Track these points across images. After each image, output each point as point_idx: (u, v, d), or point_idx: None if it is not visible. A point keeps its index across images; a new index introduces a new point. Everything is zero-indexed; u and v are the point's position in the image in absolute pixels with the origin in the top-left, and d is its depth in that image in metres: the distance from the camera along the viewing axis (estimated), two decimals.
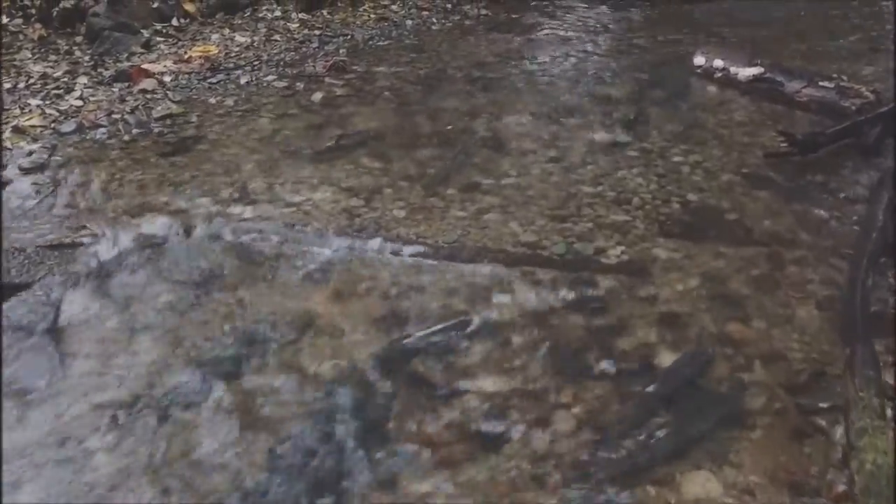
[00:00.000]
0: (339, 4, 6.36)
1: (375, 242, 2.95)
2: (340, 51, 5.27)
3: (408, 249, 2.90)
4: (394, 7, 6.34)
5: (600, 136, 3.95)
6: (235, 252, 2.91)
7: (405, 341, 2.45)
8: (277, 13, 6.04)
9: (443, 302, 2.62)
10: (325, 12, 6.13)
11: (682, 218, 3.14)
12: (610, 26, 6.00)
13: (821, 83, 4.25)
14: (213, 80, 4.66)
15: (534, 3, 6.64)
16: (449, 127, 4.07)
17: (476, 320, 2.53)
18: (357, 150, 3.77)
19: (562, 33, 5.81)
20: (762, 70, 4.51)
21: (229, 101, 4.34)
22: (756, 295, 2.64)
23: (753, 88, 4.52)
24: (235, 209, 3.22)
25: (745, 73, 4.56)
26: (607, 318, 2.55)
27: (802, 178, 3.45)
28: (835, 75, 4.35)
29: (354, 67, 4.94)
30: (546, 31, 5.83)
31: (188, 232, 3.03)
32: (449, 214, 3.16)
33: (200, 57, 5.03)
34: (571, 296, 2.65)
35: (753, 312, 2.56)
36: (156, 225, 3.08)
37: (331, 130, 3.95)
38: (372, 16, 6.09)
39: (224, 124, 4.03)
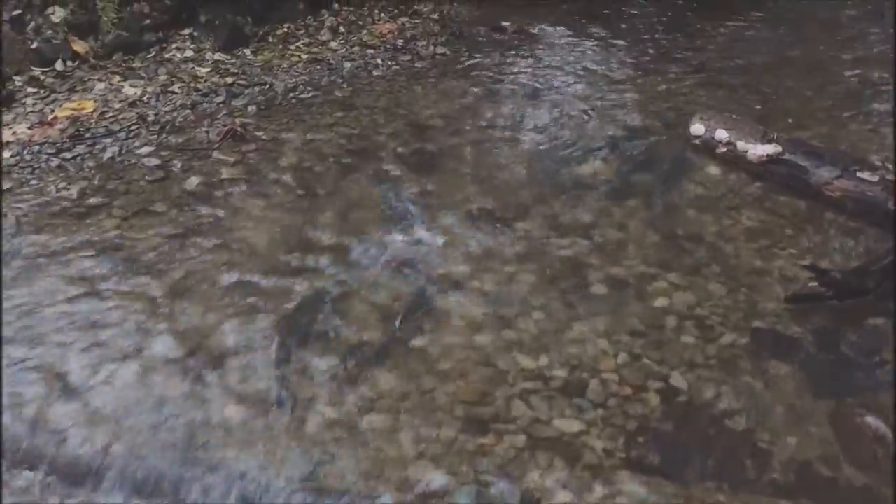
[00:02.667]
0: (270, 40, 5.31)
1: None
2: (250, 108, 4.21)
3: None
4: (333, 44, 5.27)
5: (556, 253, 2.89)
6: None
7: None
8: (189, 53, 4.98)
9: None
10: (247, 51, 5.07)
11: (661, 429, 2.08)
12: (591, 69, 4.91)
13: (859, 173, 3.18)
14: (69, 155, 3.61)
15: (503, 37, 5.58)
16: (356, 241, 3.02)
17: None
18: (211, 301, 2.67)
19: (531, 81, 4.73)
20: (779, 149, 3.43)
21: (73, 192, 3.28)
22: None
23: (768, 172, 3.45)
24: None
25: (757, 150, 3.48)
26: None
27: (842, 343, 2.39)
28: (879, 161, 3.28)
29: (258, 134, 3.88)
30: (512, 78, 4.76)
31: None
32: (305, 429, 2.09)
33: (68, 118, 3.98)
34: None
35: None
36: None
37: (186, 252, 2.88)
38: (304, 56, 5.02)
39: (49, 234, 2.97)
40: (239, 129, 3.82)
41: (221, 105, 4.25)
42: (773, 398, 2.15)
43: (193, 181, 3.37)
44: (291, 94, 4.44)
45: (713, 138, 3.68)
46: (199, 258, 2.82)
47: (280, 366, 2.26)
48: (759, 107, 4.26)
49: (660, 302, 2.58)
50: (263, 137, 3.85)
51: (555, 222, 3.13)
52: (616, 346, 2.35)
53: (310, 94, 4.46)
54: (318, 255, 2.88)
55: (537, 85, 4.65)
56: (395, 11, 6.03)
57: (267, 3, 5.59)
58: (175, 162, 3.55)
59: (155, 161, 3.55)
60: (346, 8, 5.93)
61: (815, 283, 2.52)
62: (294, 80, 4.66)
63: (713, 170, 3.60)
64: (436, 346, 2.36)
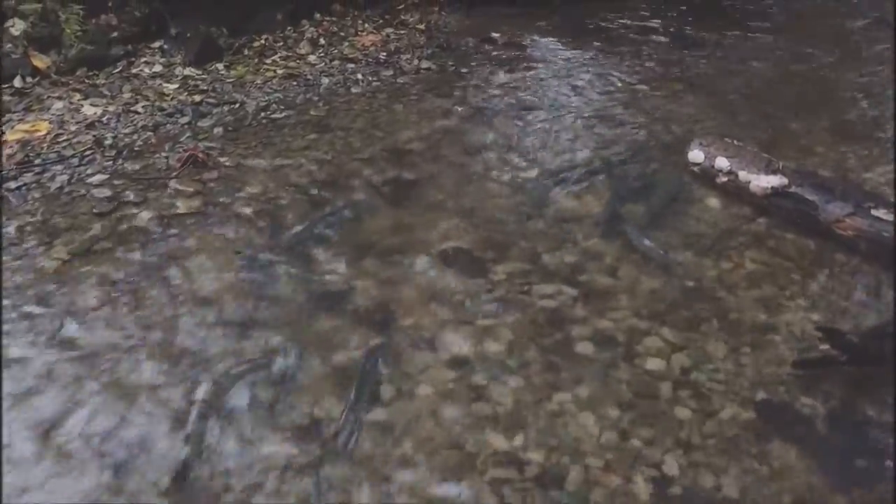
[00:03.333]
0: (246, 53, 5.02)
1: None
2: (216, 129, 3.93)
3: None
4: (312, 58, 4.98)
5: (538, 303, 2.60)
6: None
7: None
8: (158, 68, 4.70)
9: None
10: (220, 66, 4.78)
11: None
12: (584, 85, 4.63)
13: (874, 210, 2.89)
14: (14, 185, 3.32)
15: (492, 49, 5.29)
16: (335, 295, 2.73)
17: None
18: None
19: (521, 96, 4.45)
20: (784, 181, 3.14)
21: (10, 229, 3.00)
22: None
23: (772, 206, 3.16)
24: None
25: (761, 182, 3.19)
26: None
27: (859, 419, 2.10)
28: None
29: (223, 160, 3.59)
30: (499, 95, 4.47)
31: None
32: None
33: (18, 141, 3.70)
34: None
35: None
36: None
37: (121, 309, 2.59)
38: (279, 71, 4.74)
39: None
40: (201, 154, 3.54)
41: (186, 126, 3.97)
42: (779, 489, 1.86)
43: (145, 216, 3.08)
44: (263, 114, 4.15)
45: (713, 167, 3.40)
46: (136, 314, 2.52)
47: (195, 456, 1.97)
48: (762, 129, 3.97)
49: (652, 364, 2.29)
50: (227, 164, 3.56)
51: (538, 264, 2.84)
52: (602, 422, 2.06)
53: (282, 114, 4.17)
54: (273, 306, 2.59)
55: (526, 103, 4.36)
56: (381, 22, 5.76)
57: (244, 14, 5.32)
58: (128, 193, 3.27)
59: (106, 192, 3.27)
60: (328, 18, 5.65)
61: (827, 346, 2.23)
62: (267, 97, 4.38)
63: (713, 202, 3.31)
64: (397, 420, 2.08)
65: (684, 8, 6.31)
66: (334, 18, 5.66)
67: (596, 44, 5.40)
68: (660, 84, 4.62)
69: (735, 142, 3.50)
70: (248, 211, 3.17)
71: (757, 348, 2.35)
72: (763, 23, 5.92)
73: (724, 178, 3.35)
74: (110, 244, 2.92)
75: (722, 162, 3.37)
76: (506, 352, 2.35)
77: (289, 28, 5.44)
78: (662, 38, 5.52)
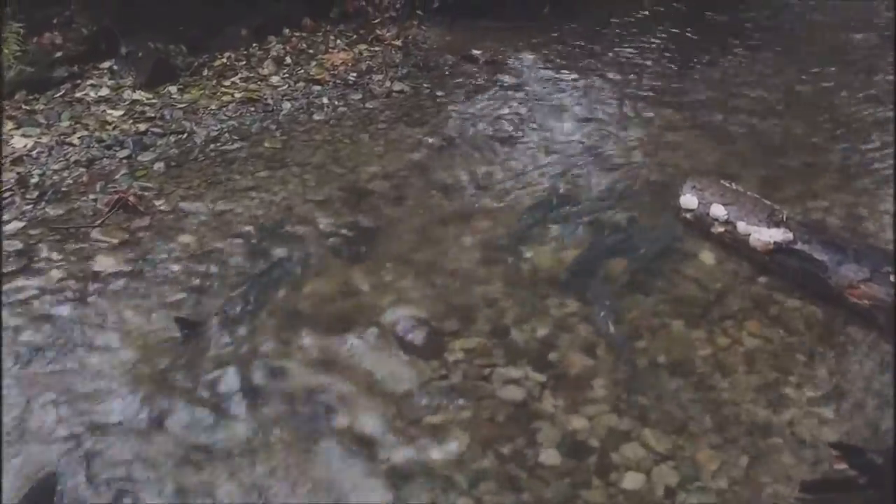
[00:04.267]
0: (205, 74, 4.63)
1: None
2: (157, 165, 3.54)
3: None
4: (275, 79, 4.59)
5: (500, 393, 2.21)
6: None
7: None
8: (105, 91, 4.31)
9: None
10: (174, 89, 4.39)
11: None
12: (569, 112, 4.23)
13: (894, 276, 2.50)
14: None
15: (473, 69, 4.90)
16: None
17: None
18: None
19: (499, 125, 4.05)
20: (789, 235, 2.75)
21: None
22: None
23: (775, 265, 2.77)
24: None
25: (762, 236, 2.80)
26: None
27: None
28: None
29: (158, 203, 3.20)
30: (476, 124, 4.07)
31: None
32: None
33: None
34: None
35: None
36: None
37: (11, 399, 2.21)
38: (237, 95, 4.35)
39: None
40: (132, 198, 3.15)
41: (124, 161, 3.58)
42: None
43: (54, 276, 2.70)
44: (212, 146, 3.77)
45: (708, 214, 3.00)
46: (27, 409, 2.14)
47: None
48: (763, 164, 3.57)
49: (631, 481, 1.90)
50: (163, 208, 3.17)
51: (504, 339, 2.45)
52: None
53: (234, 146, 3.78)
54: (186, 400, 2.20)
55: (503, 133, 3.96)
56: (354, 38, 5.36)
57: (207, 29, 4.94)
58: (41, 246, 2.88)
59: (17, 244, 2.88)
60: (297, 34, 5.26)
61: (842, 464, 1.84)
62: (220, 125, 3.99)
63: (707, 257, 2.91)
64: None
65: (680, 21, 5.93)
66: (304, 34, 5.27)
67: (585, 63, 5.00)
68: (652, 111, 4.22)
69: (733, 185, 3.10)
70: (178, 269, 2.78)
71: (756, 459, 1.96)
72: (764, 40, 5.52)
73: (721, 229, 2.96)
74: (7, 315, 2.53)
75: (718, 210, 2.97)
76: (456, 463, 1.96)
77: (254, 45, 5.05)
78: (657, 57, 5.12)
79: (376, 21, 5.58)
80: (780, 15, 6.16)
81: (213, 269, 2.77)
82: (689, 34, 5.64)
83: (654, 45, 5.42)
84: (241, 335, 2.45)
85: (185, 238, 2.97)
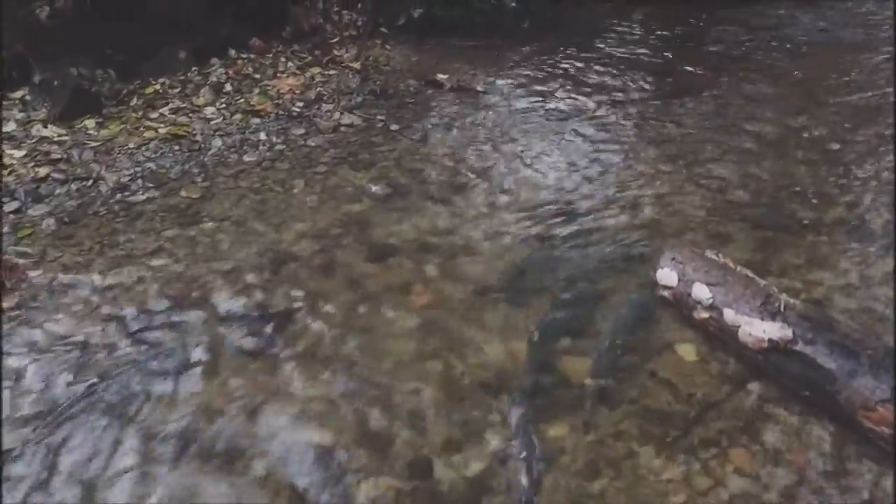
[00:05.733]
0: (133, 103, 4.11)
1: None
2: (47, 222, 3.02)
3: None
4: (209, 111, 4.06)
5: None
6: None
7: None
8: (11, 126, 3.79)
9: None
10: (91, 123, 3.88)
11: None
12: (542, 147, 3.71)
13: None
14: None
15: (438, 95, 4.38)
16: None
17: None
18: None
19: (457, 168, 3.53)
20: (787, 333, 2.22)
21: None
22: None
23: (770, 367, 2.25)
24: None
25: (754, 330, 2.27)
26: None
27: None
28: None
29: (33, 275, 2.68)
30: (433, 165, 3.55)
31: None
32: None
33: None
34: None
35: None
36: None
37: None
38: (162, 130, 3.82)
39: None
40: (2, 269, 2.63)
41: (11, 216, 3.06)
42: None
43: None
44: (119, 196, 3.25)
45: (689, 295, 2.48)
46: None
47: None
48: (757, 223, 3.05)
49: None
50: (39, 280, 2.66)
51: (424, 481, 1.92)
52: None
53: (145, 195, 3.26)
54: None
55: (460, 179, 3.43)
56: (308, 59, 4.84)
57: (138, 52, 4.42)
58: None
59: None
60: (244, 56, 4.74)
61: None
62: (135, 169, 3.46)
63: (687, 351, 2.39)
64: None
65: (672, 39, 5.41)
66: (252, 56, 4.75)
67: (562, 90, 4.49)
68: (633, 151, 3.70)
69: (720, 257, 2.57)
70: (28, 370, 2.26)
71: None
72: (762, 61, 5.01)
73: (705, 315, 2.44)
74: None
75: (701, 291, 2.45)
76: None
77: (194, 69, 4.54)
78: (642, 83, 4.60)
79: (335, 40, 5.07)
80: (782, 28, 5.65)
81: (65, 376, 2.23)
82: (680, 53, 5.14)
83: (641, 64, 4.91)
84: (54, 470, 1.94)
85: (57, 324, 2.45)
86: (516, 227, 3.07)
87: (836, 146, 3.70)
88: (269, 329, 2.46)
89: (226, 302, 2.57)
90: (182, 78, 4.41)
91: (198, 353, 2.33)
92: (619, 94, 4.45)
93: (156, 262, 2.78)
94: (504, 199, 3.30)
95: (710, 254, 2.59)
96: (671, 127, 3.98)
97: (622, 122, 4.06)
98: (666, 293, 2.58)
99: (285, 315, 2.53)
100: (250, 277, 2.71)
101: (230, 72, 4.51)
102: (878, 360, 2.05)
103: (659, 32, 5.56)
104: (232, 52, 4.72)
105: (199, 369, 2.27)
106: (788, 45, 5.30)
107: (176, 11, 4.50)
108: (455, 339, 2.44)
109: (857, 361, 2.08)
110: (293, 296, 2.62)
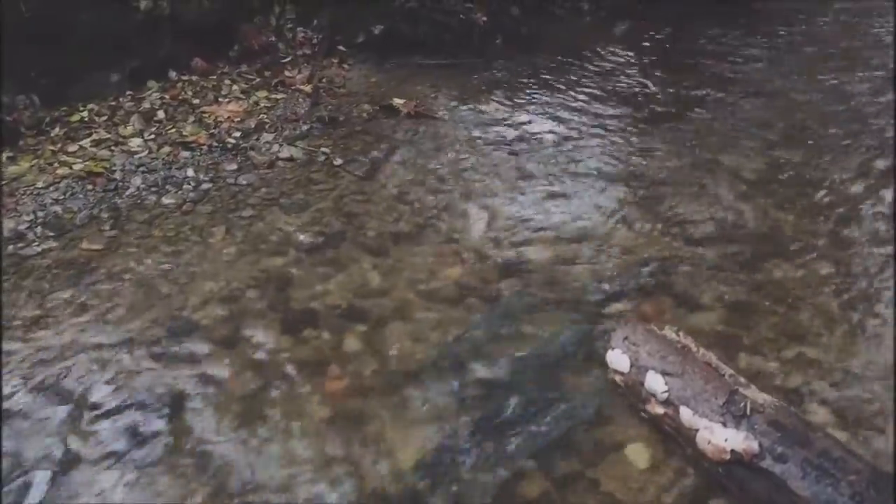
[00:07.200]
0: (53, 134, 3.74)
1: None
2: None
3: None
4: (135, 143, 3.67)
5: None
6: None
7: None
8: None
9: None
10: (2, 157, 3.50)
11: None
12: (499, 192, 3.33)
13: None
14: None
15: (393, 126, 4.00)
16: None
17: None
18: None
19: (402, 212, 3.15)
20: (753, 445, 1.83)
21: None
22: None
23: (732, 482, 1.87)
24: None
25: (715, 438, 1.89)
26: None
27: None
28: None
29: None
30: (372, 206, 3.18)
31: None
32: None
33: None
34: None
35: None
36: None
37: None
38: (76, 166, 3.44)
39: None
40: None
41: None
42: None
43: None
44: (11, 247, 2.88)
45: (642, 385, 2.11)
46: None
47: None
48: (731, 281, 2.68)
49: None
50: None
51: None
52: None
53: (41, 247, 2.89)
54: None
55: (404, 228, 3.06)
56: (256, 81, 4.47)
57: (66, 75, 4.04)
58: None
59: None
60: (185, 78, 4.37)
61: None
62: (38, 213, 3.09)
63: (638, 454, 2.02)
64: None
65: (651, 63, 5.02)
66: (194, 78, 4.38)
67: (530, 118, 4.11)
68: (600, 193, 3.32)
69: (681, 336, 2.19)
70: None
71: None
72: (752, 83, 4.62)
73: (659, 410, 2.06)
74: None
75: (656, 381, 2.07)
76: None
77: (128, 93, 4.16)
78: (625, 109, 4.22)
79: (286, 60, 4.69)
80: (775, 38, 5.27)
81: None
82: (661, 74, 4.76)
83: (619, 87, 4.53)
84: None
85: None
86: (459, 287, 2.70)
87: (822, 186, 3.33)
88: (147, 427, 2.08)
89: (100, 390, 2.20)
90: (113, 104, 4.04)
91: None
92: (594, 123, 4.06)
93: (30, 337, 2.40)
94: (449, 249, 2.94)
95: (669, 332, 2.21)
96: (646, 162, 3.60)
97: (592, 156, 3.68)
98: (617, 378, 2.21)
99: (172, 405, 2.16)
100: (137, 354, 2.34)
101: (167, 96, 4.14)
102: (861, 491, 1.67)
103: (639, 50, 5.18)
104: (172, 74, 4.35)
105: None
106: (773, 60, 4.93)
107: (109, 29, 4.12)
108: (368, 443, 2.07)
109: (837, 488, 1.70)
110: (183, 379, 2.24)
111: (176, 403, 2.17)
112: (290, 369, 2.31)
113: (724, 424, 1.89)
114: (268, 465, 1.98)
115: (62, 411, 2.12)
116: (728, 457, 1.86)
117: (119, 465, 1.96)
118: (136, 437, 2.05)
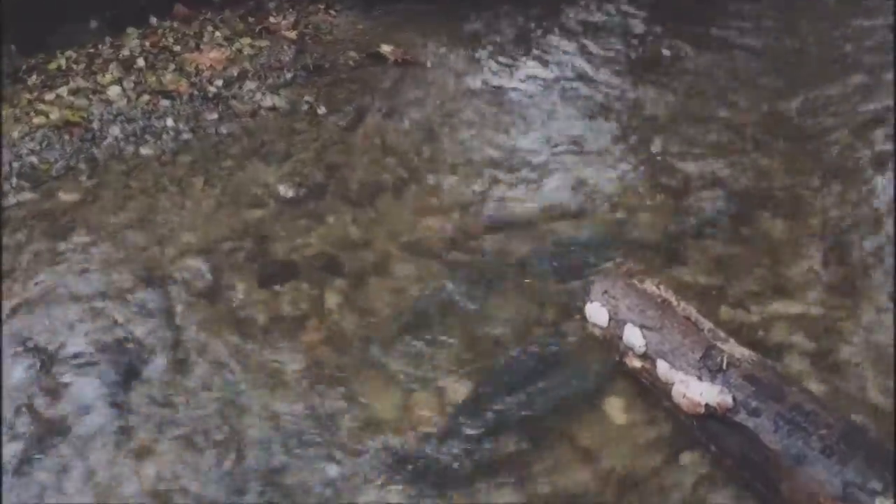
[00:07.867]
0: (30, 82, 3.64)
1: None
2: None
3: None
4: (114, 90, 3.55)
5: None
6: None
7: None
8: None
9: None
10: None
11: None
12: (483, 144, 3.26)
13: (882, 499, 1.59)
14: None
15: (380, 74, 3.90)
16: None
17: None
18: None
19: (385, 164, 3.09)
20: (727, 399, 1.82)
21: None
22: None
23: (705, 435, 1.87)
24: None
25: (690, 391, 1.88)
26: None
27: None
28: None
29: None
30: (355, 157, 3.11)
31: None
32: None
33: None
34: None
35: None
36: None
37: None
38: (53, 116, 3.35)
39: None
40: None
41: None
42: None
43: None
44: None
45: (621, 338, 2.09)
46: None
47: None
48: (719, 235, 2.64)
49: None
50: None
51: None
52: None
53: (16, 199, 2.84)
54: None
55: (384, 181, 2.98)
56: (240, 27, 4.31)
57: (44, 22, 3.92)
58: None
59: None
60: (166, 24, 4.23)
61: None
62: (13, 165, 3.02)
63: (615, 409, 2.01)
64: None
65: (653, 9, 4.86)
66: (175, 24, 4.24)
67: (522, 64, 3.98)
68: (589, 143, 3.24)
69: (661, 290, 2.16)
70: None
71: None
72: (750, 31, 4.48)
73: (637, 363, 2.05)
74: None
75: (634, 335, 2.05)
76: None
77: (107, 40, 4.04)
78: (613, 55, 4.09)
79: (271, 5, 4.54)
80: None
81: None
82: (661, 20, 4.60)
83: (615, 31, 4.37)
84: None
85: None
86: (442, 239, 2.66)
87: (818, 138, 3.25)
88: (118, 375, 2.07)
89: (76, 341, 2.18)
90: (91, 51, 3.92)
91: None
92: (587, 69, 3.94)
93: (6, 288, 2.37)
94: (433, 202, 2.89)
95: (649, 286, 2.18)
96: (637, 110, 3.51)
97: (583, 104, 3.59)
98: (596, 332, 2.19)
99: (147, 357, 2.15)
100: (113, 307, 2.32)
101: (147, 43, 4.01)
102: (832, 445, 1.66)
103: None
104: (153, 20, 4.21)
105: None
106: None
107: None
108: (344, 392, 2.06)
109: (808, 442, 1.69)
110: (157, 333, 2.23)
111: (150, 356, 2.16)
112: (263, 329, 2.28)
113: (700, 378, 1.88)
114: (238, 419, 1.97)
115: (36, 363, 2.10)
116: (702, 410, 1.85)
117: (91, 414, 1.96)
118: (110, 389, 2.04)
